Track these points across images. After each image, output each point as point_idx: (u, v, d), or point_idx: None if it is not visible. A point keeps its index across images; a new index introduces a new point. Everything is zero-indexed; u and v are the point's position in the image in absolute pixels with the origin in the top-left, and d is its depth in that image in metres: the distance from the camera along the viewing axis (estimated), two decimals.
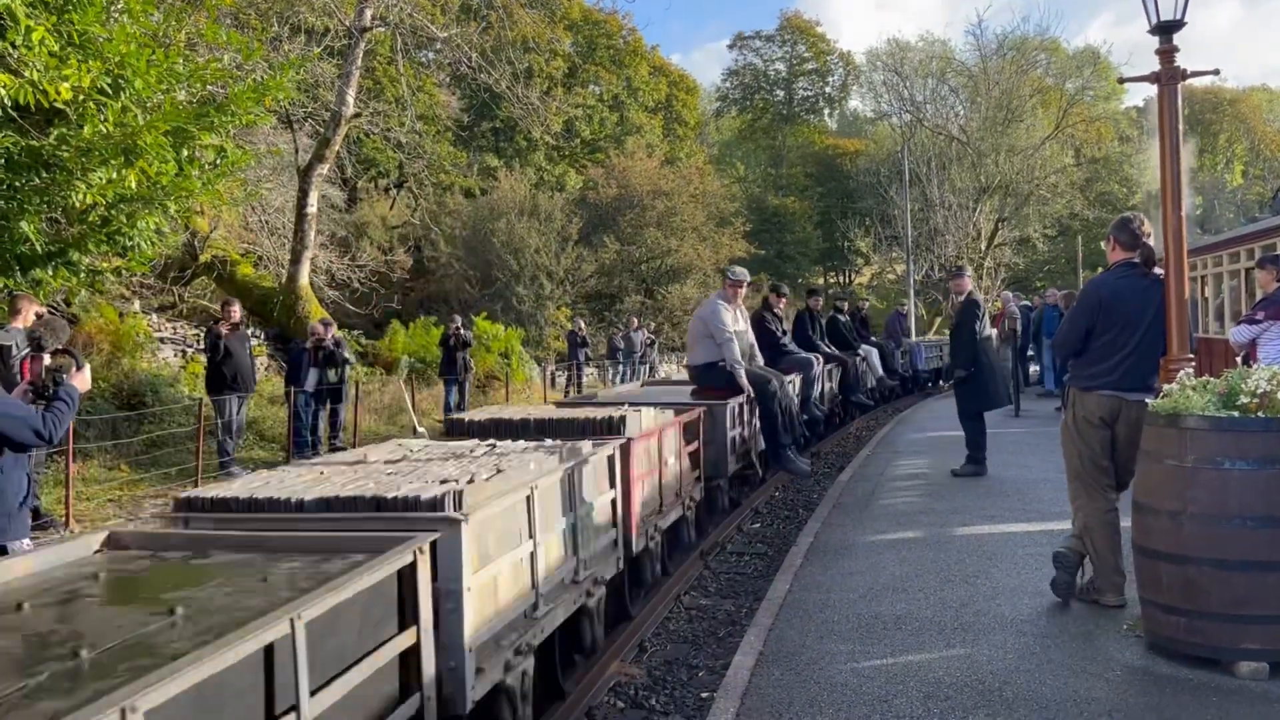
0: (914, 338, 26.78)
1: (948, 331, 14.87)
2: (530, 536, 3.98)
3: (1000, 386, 9.77)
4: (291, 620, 2.35)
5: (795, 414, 9.69)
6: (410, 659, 3.01)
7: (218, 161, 9.33)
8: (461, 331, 18.29)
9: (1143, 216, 5.26)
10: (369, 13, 19.73)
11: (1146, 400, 4.56)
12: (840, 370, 13.82)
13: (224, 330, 11.57)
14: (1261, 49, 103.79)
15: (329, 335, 14.00)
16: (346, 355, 14.12)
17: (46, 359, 4.54)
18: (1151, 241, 5.20)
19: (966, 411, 9.44)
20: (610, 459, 5.19)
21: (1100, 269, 6.00)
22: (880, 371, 16.29)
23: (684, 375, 13.17)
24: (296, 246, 19.51)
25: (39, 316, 8.12)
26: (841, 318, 15.73)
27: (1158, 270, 5.14)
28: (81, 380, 4.40)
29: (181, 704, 1.97)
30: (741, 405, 8.67)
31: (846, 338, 15.10)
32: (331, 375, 13.82)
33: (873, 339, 17.99)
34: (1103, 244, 5.73)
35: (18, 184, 7.98)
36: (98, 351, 13.77)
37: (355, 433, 14.70)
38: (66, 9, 7.72)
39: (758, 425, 9.14)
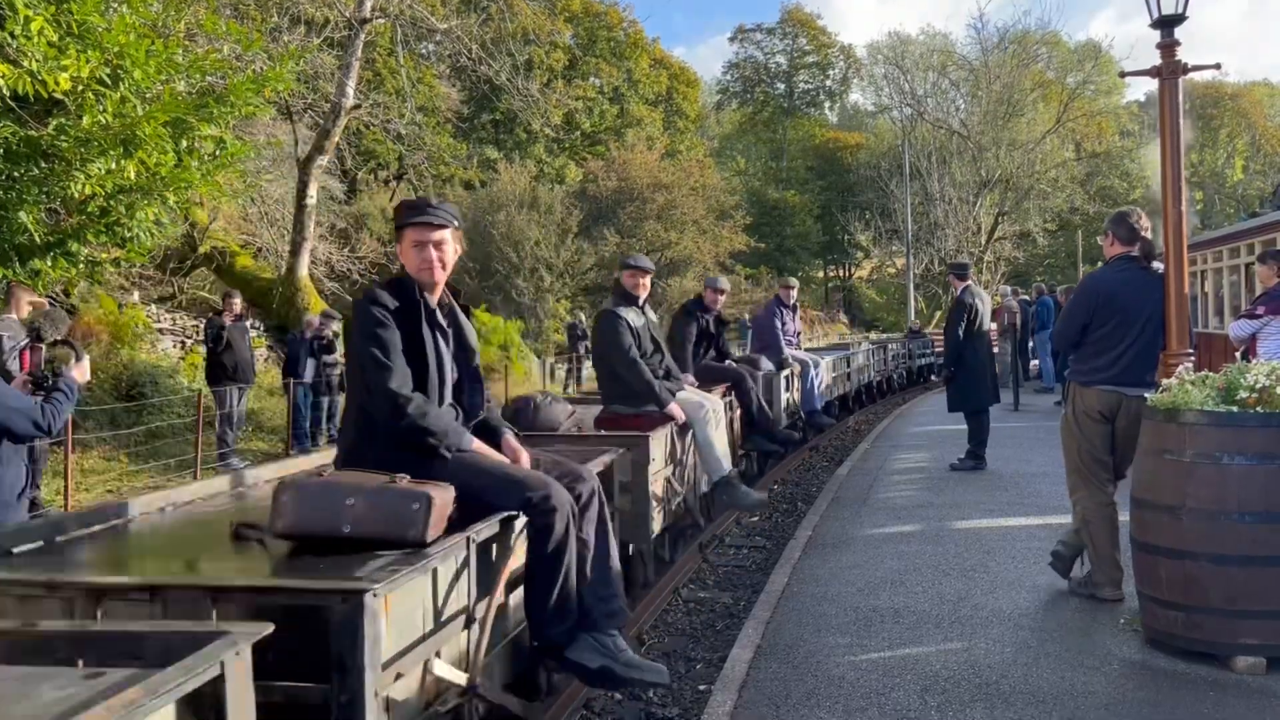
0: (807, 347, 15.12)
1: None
2: None
3: (989, 385, 9.50)
4: None
5: None
6: None
7: (217, 153, 9.30)
8: None
9: (1140, 211, 5.25)
10: (369, 4, 19.67)
11: (1146, 395, 4.56)
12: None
13: (227, 321, 11.57)
14: (1264, 44, 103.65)
15: (328, 329, 13.97)
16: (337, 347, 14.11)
17: (45, 350, 4.54)
18: (1150, 235, 5.20)
19: (954, 409, 9.47)
20: None
21: (1100, 264, 6.00)
22: (723, 469, 6.57)
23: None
24: (296, 238, 19.47)
25: (34, 306, 8.10)
26: (636, 319, 6.38)
27: (1157, 264, 5.14)
28: (81, 371, 4.40)
29: None
30: None
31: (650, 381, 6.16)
32: (336, 371, 13.82)
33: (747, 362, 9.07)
34: (1099, 239, 5.72)
35: (16, 174, 7.96)
36: (97, 342, 13.75)
37: None
38: None
39: None
